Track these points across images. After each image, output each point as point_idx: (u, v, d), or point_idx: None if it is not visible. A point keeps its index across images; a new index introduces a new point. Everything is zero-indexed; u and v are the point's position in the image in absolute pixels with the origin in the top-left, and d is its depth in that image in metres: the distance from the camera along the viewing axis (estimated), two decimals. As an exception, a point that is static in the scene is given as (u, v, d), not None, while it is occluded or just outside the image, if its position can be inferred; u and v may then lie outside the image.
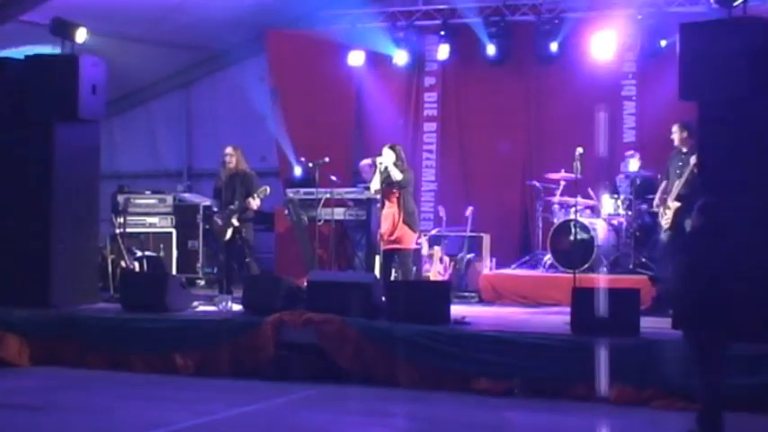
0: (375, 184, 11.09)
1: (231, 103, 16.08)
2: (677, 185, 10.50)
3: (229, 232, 11.48)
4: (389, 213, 10.91)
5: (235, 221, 11.45)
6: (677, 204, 10.42)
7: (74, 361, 10.01)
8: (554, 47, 13.20)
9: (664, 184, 10.84)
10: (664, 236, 10.67)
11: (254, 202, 11.47)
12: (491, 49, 13.53)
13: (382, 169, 10.95)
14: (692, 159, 10.21)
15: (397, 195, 10.87)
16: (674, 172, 10.63)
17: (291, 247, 13.03)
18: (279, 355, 9.45)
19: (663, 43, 12.56)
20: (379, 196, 11.28)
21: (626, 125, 13.45)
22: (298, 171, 12.77)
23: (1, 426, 7.57)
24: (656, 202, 10.99)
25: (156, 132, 16.91)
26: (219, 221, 11.59)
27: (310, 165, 12.67)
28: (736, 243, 7.61)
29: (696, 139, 9.76)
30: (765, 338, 8.11)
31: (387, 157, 10.91)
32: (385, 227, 10.96)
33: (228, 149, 11.68)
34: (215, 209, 11.97)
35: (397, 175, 10.76)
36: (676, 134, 10.67)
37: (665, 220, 10.61)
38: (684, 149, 10.58)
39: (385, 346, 9.14)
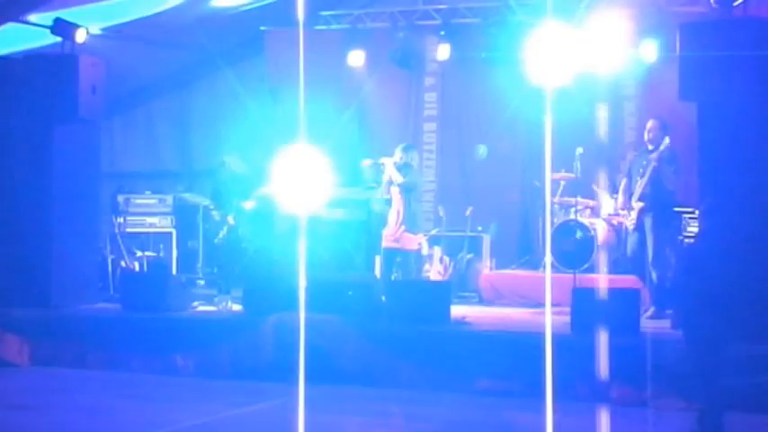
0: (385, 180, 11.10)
1: (231, 103, 16.08)
2: (639, 184, 10.38)
3: (226, 232, 11.46)
4: (393, 214, 10.90)
5: (231, 221, 11.41)
6: (641, 204, 10.36)
7: (74, 361, 10.02)
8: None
9: (624, 183, 10.72)
10: (631, 238, 10.62)
11: (251, 207, 11.42)
12: (490, 49, 13.50)
13: (383, 169, 10.95)
14: (652, 157, 10.14)
15: (399, 197, 10.85)
16: (638, 171, 10.45)
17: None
18: (279, 355, 9.45)
19: (662, 45, 12.54)
20: (387, 195, 11.32)
21: (626, 125, 13.43)
22: None
23: (1, 426, 7.57)
24: (619, 203, 10.89)
25: (155, 132, 16.87)
26: (216, 221, 11.57)
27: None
28: (736, 244, 7.63)
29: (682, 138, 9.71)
30: (765, 338, 8.11)
31: (391, 158, 10.88)
32: (388, 227, 10.96)
33: (230, 153, 11.63)
34: (213, 209, 11.95)
35: (397, 177, 10.75)
36: (653, 132, 10.38)
37: (630, 221, 10.54)
38: (651, 147, 10.39)
39: (385, 346, 9.14)
